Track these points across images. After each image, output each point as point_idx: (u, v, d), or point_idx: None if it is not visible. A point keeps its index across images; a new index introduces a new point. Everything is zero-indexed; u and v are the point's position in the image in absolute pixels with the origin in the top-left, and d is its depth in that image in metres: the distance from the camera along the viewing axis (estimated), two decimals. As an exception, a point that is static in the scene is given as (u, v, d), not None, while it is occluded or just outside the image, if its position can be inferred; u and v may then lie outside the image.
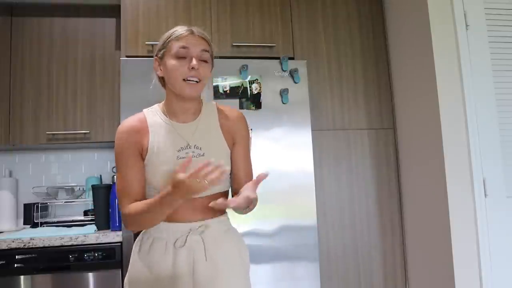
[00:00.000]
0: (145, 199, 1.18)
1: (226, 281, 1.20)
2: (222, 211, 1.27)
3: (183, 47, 1.17)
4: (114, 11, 2.28)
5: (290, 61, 2.08)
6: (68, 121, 2.24)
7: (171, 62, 1.17)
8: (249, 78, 2.02)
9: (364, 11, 2.36)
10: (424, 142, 2.04)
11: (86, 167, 2.54)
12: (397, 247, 2.23)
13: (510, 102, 1.96)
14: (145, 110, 1.28)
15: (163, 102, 1.28)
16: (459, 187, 1.87)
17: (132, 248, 1.27)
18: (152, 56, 2.02)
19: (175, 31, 1.20)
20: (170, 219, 1.18)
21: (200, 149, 1.21)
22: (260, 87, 2.02)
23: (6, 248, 1.78)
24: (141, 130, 1.21)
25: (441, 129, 1.89)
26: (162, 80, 1.26)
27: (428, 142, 2.00)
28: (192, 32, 1.19)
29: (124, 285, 1.24)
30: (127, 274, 1.24)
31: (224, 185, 1.27)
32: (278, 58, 2.09)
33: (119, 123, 1.96)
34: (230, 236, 1.28)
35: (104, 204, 2.00)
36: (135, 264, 1.21)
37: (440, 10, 1.95)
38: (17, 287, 1.79)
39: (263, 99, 2.02)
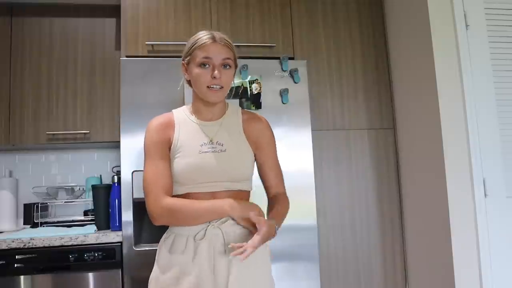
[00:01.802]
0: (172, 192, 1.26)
1: (247, 274, 1.22)
2: None
3: (206, 57, 1.24)
4: (114, 11, 2.28)
5: (290, 61, 2.08)
6: (68, 121, 2.23)
7: (196, 70, 1.25)
8: (249, 78, 2.02)
9: (364, 11, 2.36)
10: (424, 142, 2.04)
11: (86, 167, 2.54)
12: (397, 247, 2.23)
13: (510, 102, 1.96)
14: (174, 110, 1.36)
15: (191, 103, 1.36)
16: (459, 187, 1.87)
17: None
18: (152, 56, 2.06)
19: (198, 38, 1.26)
20: None
21: (222, 145, 1.28)
22: (260, 87, 2.02)
23: (6, 248, 1.78)
24: (168, 125, 1.30)
25: (441, 129, 1.89)
26: (189, 82, 1.33)
27: (428, 142, 2.00)
28: (214, 40, 1.25)
29: (149, 282, 1.27)
30: (152, 271, 1.27)
31: (245, 184, 1.31)
32: (278, 58, 2.09)
33: (119, 123, 1.97)
34: (247, 238, 1.28)
35: (104, 204, 2.00)
36: (159, 261, 1.26)
37: (440, 10, 1.95)
38: (17, 287, 1.78)
39: (263, 99, 2.02)
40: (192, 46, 1.27)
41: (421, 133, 2.06)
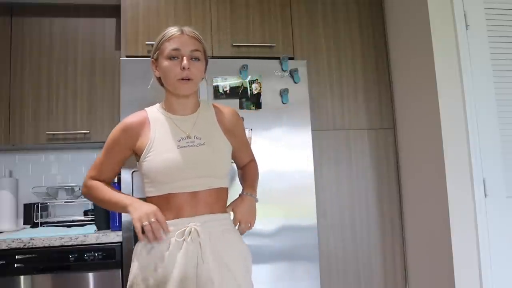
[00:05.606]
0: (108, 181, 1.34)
1: (227, 282, 1.21)
2: (224, 208, 1.31)
3: (175, 49, 1.23)
4: (114, 11, 2.28)
5: (290, 61, 2.08)
6: (68, 121, 2.24)
7: (165, 63, 1.24)
8: (249, 78, 2.02)
9: (364, 11, 2.36)
10: (424, 142, 2.04)
11: (86, 167, 2.54)
12: (397, 247, 2.23)
13: (510, 102, 1.96)
14: (146, 108, 1.35)
15: (163, 101, 1.35)
16: (459, 187, 1.87)
17: (132, 248, 1.26)
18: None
19: (167, 32, 1.27)
20: (173, 214, 1.22)
21: (200, 139, 1.28)
22: (260, 87, 2.02)
23: (6, 248, 1.78)
24: (142, 125, 1.28)
25: (441, 129, 1.89)
26: (159, 80, 1.32)
27: (428, 142, 2.00)
28: (182, 32, 1.25)
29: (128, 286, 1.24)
30: (130, 275, 1.23)
31: (224, 181, 1.31)
32: (278, 58, 2.09)
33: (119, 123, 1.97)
34: (230, 236, 1.28)
35: (104, 204, 2.00)
36: (138, 263, 1.22)
37: (440, 10, 1.95)
38: (17, 287, 1.78)
39: (263, 99, 2.02)
40: (161, 40, 1.27)
41: (421, 133, 2.06)
